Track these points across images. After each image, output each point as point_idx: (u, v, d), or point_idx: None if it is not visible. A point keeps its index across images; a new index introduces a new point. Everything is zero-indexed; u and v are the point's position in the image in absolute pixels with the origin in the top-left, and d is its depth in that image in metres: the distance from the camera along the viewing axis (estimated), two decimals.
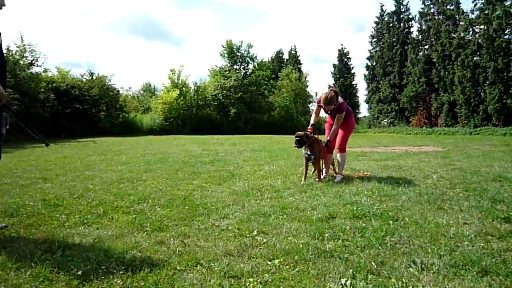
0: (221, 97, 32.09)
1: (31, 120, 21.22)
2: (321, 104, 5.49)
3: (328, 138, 5.73)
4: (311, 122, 5.76)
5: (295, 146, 5.53)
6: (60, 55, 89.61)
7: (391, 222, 3.32)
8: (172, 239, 2.97)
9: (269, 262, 2.50)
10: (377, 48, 40.98)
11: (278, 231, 3.15)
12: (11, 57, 21.02)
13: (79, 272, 2.34)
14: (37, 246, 2.84)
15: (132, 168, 7.23)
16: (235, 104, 31.77)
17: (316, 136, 5.64)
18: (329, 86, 5.75)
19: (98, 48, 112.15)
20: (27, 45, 22.33)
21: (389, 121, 38.21)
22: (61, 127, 23.86)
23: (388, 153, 10.18)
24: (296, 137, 5.50)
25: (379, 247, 2.73)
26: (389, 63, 39.16)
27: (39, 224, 3.43)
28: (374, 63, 41.27)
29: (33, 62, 22.83)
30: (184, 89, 31.78)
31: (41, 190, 5.06)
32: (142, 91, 53.10)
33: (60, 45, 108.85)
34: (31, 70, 22.68)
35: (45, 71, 24.38)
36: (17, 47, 21.97)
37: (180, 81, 32.10)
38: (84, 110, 25.92)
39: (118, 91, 30.73)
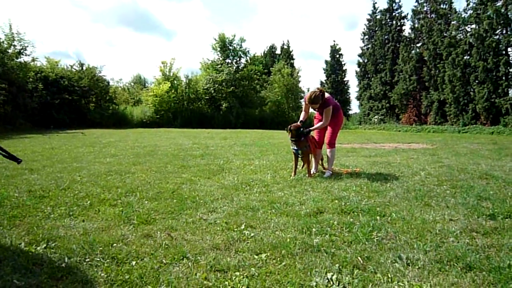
0: (212, 91, 31.90)
1: (18, 110, 20.90)
2: (306, 102, 5.54)
3: (311, 128, 5.74)
4: (301, 118, 5.78)
5: (290, 139, 5.53)
6: (48, 45, 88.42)
7: (378, 217, 3.34)
8: (159, 232, 2.95)
9: (256, 256, 2.50)
10: (369, 45, 41.03)
11: (266, 226, 3.14)
12: None
13: (63, 265, 2.31)
14: (21, 238, 2.80)
15: (120, 161, 7.16)
16: (226, 98, 31.61)
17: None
18: (321, 82, 5.72)
19: (86, 39, 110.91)
20: (16, 33, 21.89)
21: (379, 118, 38.39)
22: (49, 118, 23.52)
23: (377, 149, 10.24)
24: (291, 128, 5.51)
25: (366, 243, 2.74)
26: (380, 60, 39.28)
27: (23, 216, 3.38)
28: (366, 60, 41.33)
29: (22, 51, 22.40)
30: (175, 82, 31.50)
31: (27, 181, 4.99)
32: (132, 83, 52.51)
33: (47, 34, 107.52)
34: (19, 59, 22.27)
35: (33, 60, 23.97)
36: (5, 35, 21.53)
37: (171, 74, 31.79)
38: (74, 101, 25.58)
39: (108, 83, 30.44)
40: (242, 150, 9.57)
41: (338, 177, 5.39)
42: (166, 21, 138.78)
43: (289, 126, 5.53)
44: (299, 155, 5.65)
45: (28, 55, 23.05)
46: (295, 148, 5.58)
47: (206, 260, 2.41)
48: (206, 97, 32.36)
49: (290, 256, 2.50)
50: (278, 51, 50.05)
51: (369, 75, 41.20)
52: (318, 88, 5.48)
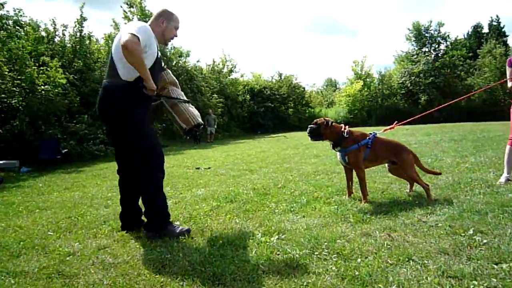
0: (408, 84, 30.08)
1: (232, 119, 24.68)
2: None
3: None
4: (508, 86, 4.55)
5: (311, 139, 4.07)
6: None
7: None
8: (377, 231, 2.94)
9: (494, 266, 2.22)
10: None
11: (501, 232, 2.75)
12: (216, 67, 25.40)
13: (296, 255, 2.56)
14: (256, 229, 3.23)
15: (324, 161, 7.48)
16: (425, 91, 29.26)
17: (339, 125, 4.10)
18: None
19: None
20: (227, 55, 26.57)
21: None
22: (256, 125, 26.79)
23: None
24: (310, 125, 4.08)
25: None
26: None
27: (254, 210, 3.91)
28: None
29: (232, 69, 26.70)
30: (368, 79, 31.13)
31: (250, 180, 5.77)
32: (325, 86, 54.40)
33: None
34: (230, 76, 26.47)
35: (241, 76, 28.00)
36: (220, 58, 26.44)
37: (363, 72, 31.56)
38: (275, 108, 28.36)
39: (304, 88, 32.41)
40: (451, 146, 8.66)
41: None
42: (348, 21, 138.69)
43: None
44: (343, 163, 4.14)
45: (237, 72, 27.31)
46: (340, 157, 4.13)
47: (435, 264, 2.28)
48: (402, 92, 30.73)
49: None
50: (485, 30, 43.15)
51: None
52: None
